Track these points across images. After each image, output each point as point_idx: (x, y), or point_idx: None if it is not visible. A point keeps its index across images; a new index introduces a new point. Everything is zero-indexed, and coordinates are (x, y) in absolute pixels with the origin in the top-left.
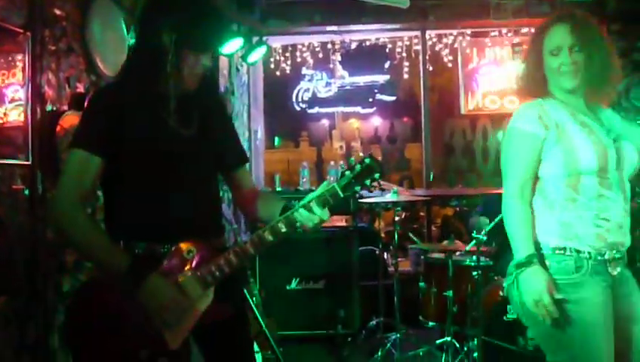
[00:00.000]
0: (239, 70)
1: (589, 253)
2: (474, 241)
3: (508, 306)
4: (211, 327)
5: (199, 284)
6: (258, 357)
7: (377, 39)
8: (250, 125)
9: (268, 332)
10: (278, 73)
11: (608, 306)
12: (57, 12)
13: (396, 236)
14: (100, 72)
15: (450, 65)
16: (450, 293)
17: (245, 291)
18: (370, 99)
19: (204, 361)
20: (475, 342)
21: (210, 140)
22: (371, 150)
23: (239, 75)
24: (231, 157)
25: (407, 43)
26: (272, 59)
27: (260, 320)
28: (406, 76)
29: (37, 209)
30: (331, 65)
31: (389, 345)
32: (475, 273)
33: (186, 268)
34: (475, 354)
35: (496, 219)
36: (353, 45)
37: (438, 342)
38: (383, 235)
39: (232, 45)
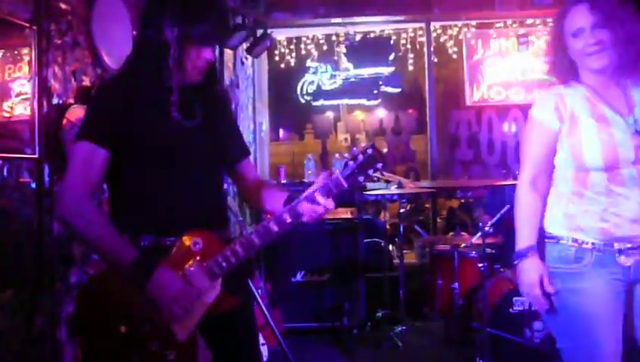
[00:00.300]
0: (244, 63)
1: (592, 243)
2: (479, 233)
3: (514, 298)
4: (217, 319)
5: (206, 275)
6: (264, 349)
7: (382, 31)
8: (255, 118)
9: (273, 325)
10: (282, 66)
11: (613, 299)
12: (63, 6)
13: (401, 228)
14: (106, 66)
15: (455, 56)
16: (455, 285)
17: (250, 283)
18: (375, 91)
19: (211, 353)
20: (481, 334)
21: (214, 133)
22: (376, 142)
23: (244, 68)
24: (234, 150)
25: (412, 35)
26: (276, 52)
27: (266, 312)
28: (411, 68)
29: (44, 202)
30: (336, 58)
31: (394, 337)
32: (480, 265)
33: (192, 260)
34: (481, 347)
35: (502, 211)
36: (358, 37)
37: (443, 334)
38: (388, 227)
39: (237, 38)
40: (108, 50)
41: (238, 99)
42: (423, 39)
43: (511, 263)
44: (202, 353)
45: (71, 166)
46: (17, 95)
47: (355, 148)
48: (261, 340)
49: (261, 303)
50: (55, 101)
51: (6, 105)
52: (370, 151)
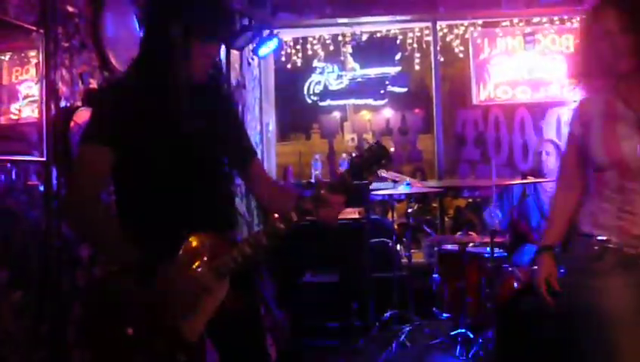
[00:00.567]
0: (250, 64)
1: (616, 243)
2: (488, 232)
3: (522, 298)
4: (224, 320)
5: (213, 276)
6: (272, 349)
7: (388, 31)
8: (261, 118)
9: (281, 325)
10: (289, 66)
11: (633, 300)
12: (70, 9)
13: (409, 228)
14: (113, 68)
15: (461, 55)
16: (464, 285)
17: (259, 283)
18: (382, 91)
19: (218, 354)
20: (490, 334)
21: (219, 135)
22: (383, 142)
23: (250, 69)
24: (242, 153)
25: (418, 34)
26: (282, 52)
27: (274, 312)
28: (417, 67)
29: (52, 204)
30: (342, 58)
31: (403, 336)
32: (489, 264)
33: (201, 259)
34: (490, 346)
35: (510, 210)
36: (364, 37)
37: (452, 333)
38: (396, 227)
39: (243, 39)
40: (115, 52)
41: (244, 100)
42: (430, 38)
43: (519, 262)
44: (209, 354)
45: (76, 167)
46: (25, 97)
47: (361, 145)
48: (269, 341)
49: (269, 303)
50: (63, 104)
51: (13, 108)
52: (375, 147)
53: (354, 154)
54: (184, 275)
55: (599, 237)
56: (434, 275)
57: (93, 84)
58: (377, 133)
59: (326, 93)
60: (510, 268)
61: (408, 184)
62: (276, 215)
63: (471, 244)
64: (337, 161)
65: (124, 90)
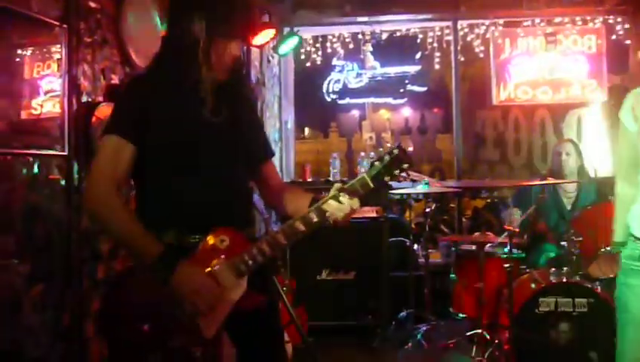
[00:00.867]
0: (270, 61)
1: None
2: (506, 233)
3: (540, 299)
4: (242, 316)
5: (232, 273)
6: (288, 346)
7: (408, 30)
8: (281, 116)
9: (298, 323)
10: (308, 64)
11: None
12: (92, 4)
13: (427, 227)
14: (134, 64)
15: (481, 55)
16: (481, 285)
17: (276, 281)
18: (402, 90)
19: (236, 350)
20: (507, 335)
21: (239, 131)
22: (402, 141)
23: (270, 66)
24: (257, 151)
25: (439, 33)
26: (302, 50)
27: (290, 310)
28: (437, 67)
29: (73, 199)
30: (362, 56)
31: (419, 336)
32: (506, 265)
33: (219, 257)
34: (507, 347)
35: (528, 211)
36: (384, 36)
37: (468, 333)
38: (413, 226)
39: (264, 36)
40: (136, 48)
41: (264, 97)
42: (450, 38)
43: (537, 264)
44: (226, 350)
45: (97, 159)
46: (46, 92)
47: (381, 149)
48: (285, 338)
49: (286, 300)
50: (84, 99)
51: (35, 103)
52: (396, 151)
53: (374, 156)
54: (202, 272)
55: None
56: (451, 275)
57: (115, 79)
58: (396, 132)
59: (345, 92)
60: (528, 269)
61: (427, 183)
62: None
63: (488, 245)
64: (356, 160)
65: (145, 85)
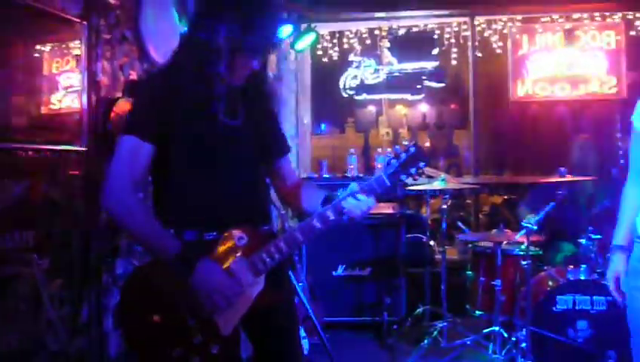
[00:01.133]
0: (287, 57)
1: None
2: (523, 230)
3: (557, 297)
4: (259, 313)
5: (250, 271)
6: (305, 342)
7: (425, 25)
8: (297, 112)
9: (314, 318)
10: (325, 60)
11: None
12: (112, 1)
13: (444, 224)
14: (152, 60)
15: (499, 51)
16: (498, 282)
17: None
18: (419, 86)
19: (252, 347)
20: (524, 332)
21: (256, 130)
22: (418, 137)
23: (287, 62)
24: (273, 147)
25: (456, 29)
26: (319, 46)
27: (307, 305)
28: (454, 63)
29: (92, 194)
30: (379, 52)
31: (435, 333)
32: (524, 262)
33: (237, 255)
34: (524, 345)
35: (547, 209)
36: (401, 31)
37: (485, 331)
38: (429, 222)
39: (282, 33)
40: (154, 44)
41: (281, 94)
42: (467, 34)
43: (554, 261)
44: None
45: (116, 158)
46: (64, 88)
47: (398, 147)
48: (302, 333)
49: (302, 296)
50: (103, 95)
51: (54, 99)
52: (413, 149)
53: (391, 154)
54: (221, 271)
55: None
56: (467, 272)
57: (133, 75)
58: (413, 127)
59: (362, 88)
60: (545, 267)
61: (443, 180)
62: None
63: (505, 242)
64: (373, 156)
65: (165, 83)
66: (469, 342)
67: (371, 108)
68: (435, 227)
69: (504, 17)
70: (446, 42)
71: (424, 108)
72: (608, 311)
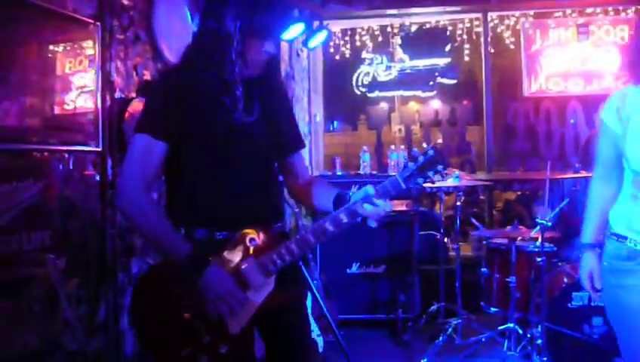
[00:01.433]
0: (299, 55)
1: None
2: (538, 227)
3: (573, 293)
4: (269, 313)
5: (261, 272)
6: (319, 340)
7: (438, 22)
8: (310, 109)
9: (329, 316)
10: (337, 57)
11: None
12: (125, 2)
13: (457, 221)
14: (166, 60)
15: (512, 47)
16: (512, 279)
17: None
18: (431, 83)
19: (264, 346)
20: (539, 329)
21: (271, 127)
22: (431, 133)
23: (299, 60)
24: (286, 143)
25: (469, 25)
26: (331, 44)
27: (321, 303)
28: (467, 59)
29: (107, 194)
30: (391, 49)
31: (450, 330)
32: (538, 259)
33: (247, 256)
34: (539, 341)
35: (562, 205)
36: (413, 28)
37: (500, 328)
38: (443, 219)
39: (293, 30)
40: (168, 44)
41: (293, 91)
42: (480, 29)
43: (569, 257)
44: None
45: (128, 158)
46: (77, 88)
47: (415, 150)
48: (316, 331)
49: (317, 294)
50: (117, 95)
51: (68, 100)
52: (431, 152)
53: (406, 156)
54: (228, 277)
55: (631, 239)
56: (482, 269)
57: (147, 75)
58: (425, 123)
59: (375, 85)
60: (560, 263)
61: (457, 176)
62: (321, 213)
63: (520, 238)
64: (386, 152)
65: (178, 81)
66: (484, 339)
67: (383, 105)
68: (449, 224)
69: (517, 13)
70: (458, 38)
71: (436, 104)
72: None
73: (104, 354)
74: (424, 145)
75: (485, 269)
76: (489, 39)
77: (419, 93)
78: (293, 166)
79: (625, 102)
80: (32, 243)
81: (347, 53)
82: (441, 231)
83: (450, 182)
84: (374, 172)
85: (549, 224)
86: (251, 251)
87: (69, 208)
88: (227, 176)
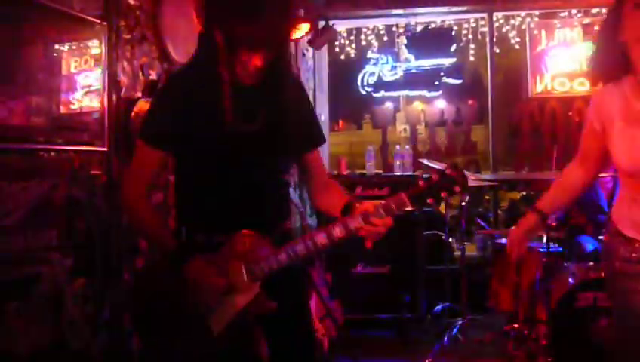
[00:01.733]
0: (305, 54)
1: None
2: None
3: (578, 294)
4: (269, 316)
5: (245, 274)
6: (324, 339)
7: (443, 22)
8: (315, 109)
9: (333, 316)
10: (342, 57)
11: None
12: (131, 1)
13: (462, 221)
14: (172, 60)
15: (517, 47)
16: (517, 279)
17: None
18: (437, 83)
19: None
20: (544, 330)
21: (279, 129)
22: (436, 133)
23: (305, 60)
24: (300, 142)
25: (474, 25)
26: (337, 43)
27: (326, 303)
28: (472, 59)
29: (113, 194)
30: (396, 49)
31: (455, 330)
32: (544, 259)
33: (236, 256)
34: (544, 342)
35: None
36: (419, 28)
37: (505, 328)
38: (448, 220)
39: (299, 30)
40: (174, 44)
41: None
42: (485, 29)
43: (575, 257)
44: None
45: (133, 161)
46: (82, 88)
47: (436, 166)
48: (321, 331)
49: (321, 294)
50: (124, 95)
51: (74, 99)
52: (448, 172)
53: (422, 175)
54: (214, 269)
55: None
56: (487, 269)
57: (153, 75)
58: (431, 124)
59: (380, 85)
60: (565, 263)
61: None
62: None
63: None
64: (391, 152)
65: (181, 87)
66: (488, 340)
67: (388, 105)
68: (454, 224)
69: (522, 13)
70: (464, 38)
71: (442, 104)
72: None
73: (109, 352)
74: (440, 166)
75: (491, 269)
76: (494, 39)
77: (424, 92)
78: (308, 165)
79: (605, 103)
80: (38, 243)
81: (352, 52)
82: (446, 231)
83: None
84: (379, 171)
85: (554, 224)
86: (241, 255)
87: (76, 208)
88: (223, 182)
